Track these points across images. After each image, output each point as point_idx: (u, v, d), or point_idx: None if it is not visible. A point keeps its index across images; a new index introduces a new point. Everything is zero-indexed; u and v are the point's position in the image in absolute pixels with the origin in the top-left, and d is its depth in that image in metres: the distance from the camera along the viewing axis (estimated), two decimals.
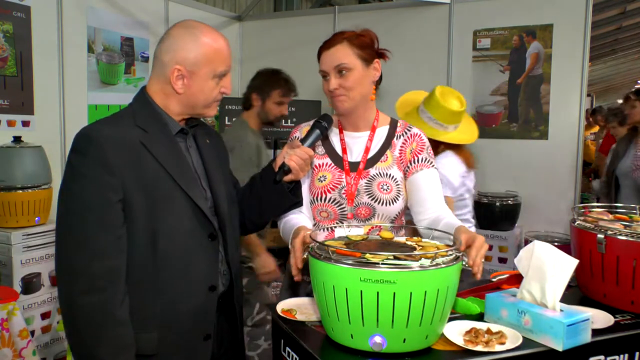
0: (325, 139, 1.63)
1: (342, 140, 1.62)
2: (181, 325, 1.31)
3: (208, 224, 1.35)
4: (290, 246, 1.37)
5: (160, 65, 1.33)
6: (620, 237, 1.35)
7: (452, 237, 1.29)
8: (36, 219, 2.82)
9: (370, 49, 1.54)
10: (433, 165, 1.61)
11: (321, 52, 1.55)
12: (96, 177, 1.21)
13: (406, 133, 1.64)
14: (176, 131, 1.37)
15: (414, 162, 1.60)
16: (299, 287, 1.64)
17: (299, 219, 1.53)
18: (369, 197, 1.54)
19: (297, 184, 1.49)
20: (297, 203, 1.51)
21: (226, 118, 3.82)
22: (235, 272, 1.46)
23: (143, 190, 1.25)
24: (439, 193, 1.59)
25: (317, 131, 1.49)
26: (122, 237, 1.23)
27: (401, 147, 1.61)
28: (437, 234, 1.36)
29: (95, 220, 1.20)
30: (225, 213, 1.41)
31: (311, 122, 1.68)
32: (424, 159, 1.60)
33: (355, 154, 1.60)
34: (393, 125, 1.65)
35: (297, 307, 1.34)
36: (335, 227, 1.56)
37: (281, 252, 2.84)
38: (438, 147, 2.31)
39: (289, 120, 3.91)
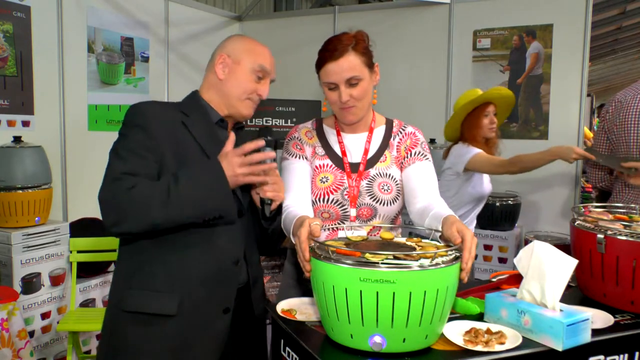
0: (323, 139, 1.63)
1: (340, 142, 1.62)
2: (201, 293, 1.35)
3: (237, 201, 1.40)
4: (292, 238, 1.34)
5: (211, 63, 1.49)
6: (620, 237, 1.35)
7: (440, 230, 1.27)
8: (36, 219, 2.82)
9: (370, 53, 1.53)
10: (427, 159, 1.60)
11: (325, 62, 1.49)
12: (137, 139, 1.32)
13: (402, 132, 1.64)
14: (216, 120, 1.47)
15: (408, 157, 1.60)
16: (298, 286, 1.65)
17: (301, 210, 1.48)
18: (371, 198, 1.54)
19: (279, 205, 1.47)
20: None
21: None
22: (253, 263, 1.50)
23: (178, 164, 1.33)
24: (431, 184, 1.56)
25: (268, 149, 1.41)
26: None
27: (397, 145, 1.62)
28: (437, 227, 1.33)
29: (127, 170, 1.28)
30: (243, 201, 1.47)
31: (308, 124, 1.68)
32: (417, 153, 1.60)
33: (354, 155, 1.60)
34: (389, 125, 1.65)
35: (297, 307, 1.34)
36: (337, 227, 1.56)
37: (280, 252, 2.84)
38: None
39: (289, 120, 3.91)
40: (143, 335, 1.32)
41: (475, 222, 2.67)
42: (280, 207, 1.44)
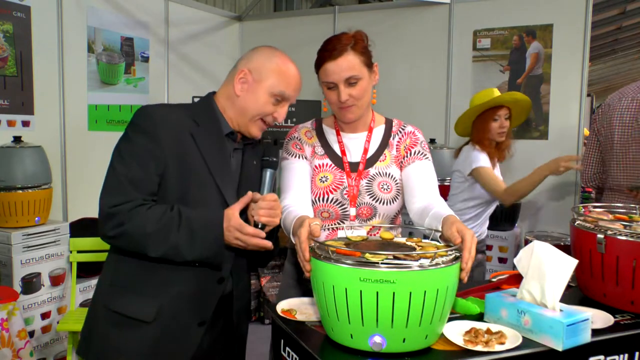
0: (322, 139, 1.63)
1: (340, 142, 1.62)
2: (180, 304, 1.35)
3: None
4: (293, 237, 1.34)
5: (233, 71, 1.43)
6: (620, 237, 1.35)
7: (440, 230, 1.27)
8: (36, 219, 2.82)
9: (368, 52, 1.53)
10: (427, 158, 1.60)
11: (324, 62, 1.49)
12: (142, 144, 1.30)
13: (401, 131, 1.64)
14: (227, 132, 1.42)
15: (407, 156, 1.60)
16: (298, 286, 1.65)
17: (301, 210, 1.48)
18: (370, 197, 1.54)
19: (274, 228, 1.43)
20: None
21: None
22: (239, 276, 1.49)
23: (180, 174, 1.32)
24: (431, 183, 1.56)
25: (269, 171, 1.41)
26: (149, 202, 1.30)
27: (397, 145, 1.62)
28: (437, 226, 1.33)
29: (128, 178, 1.28)
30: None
31: (308, 124, 1.68)
32: (416, 152, 1.60)
33: (354, 155, 1.60)
34: (389, 124, 1.66)
35: (297, 307, 1.34)
36: (336, 226, 1.56)
37: (280, 252, 2.84)
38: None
39: (289, 120, 3.92)
40: (120, 337, 1.33)
41: (487, 222, 2.65)
42: (273, 230, 1.39)
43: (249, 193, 1.33)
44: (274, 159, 1.42)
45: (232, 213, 1.28)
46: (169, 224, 1.26)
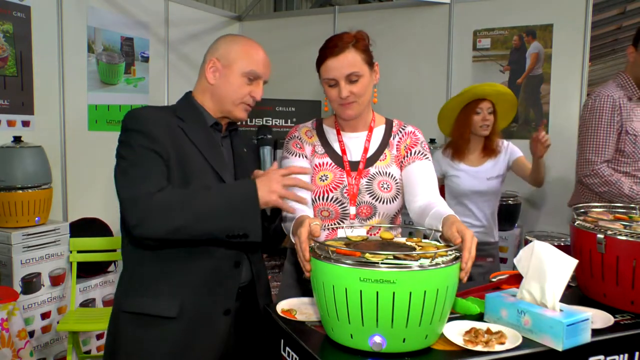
0: (323, 138, 1.63)
1: (340, 141, 1.62)
2: (201, 296, 1.36)
3: None
4: (292, 237, 1.34)
5: (203, 64, 1.47)
6: (620, 237, 1.34)
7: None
8: (36, 219, 2.82)
9: (370, 51, 1.54)
10: (427, 158, 1.61)
11: (325, 59, 1.50)
12: (142, 144, 1.31)
13: (401, 131, 1.64)
14: (211, 123, 1.46)
15: (408, 156, 1.60)
16: (298, 286, 1.65)
17: (301, 209, 1.47)
18: (370, 196, 1.55)
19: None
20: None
21: None
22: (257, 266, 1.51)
23: (178, 165, 1.34)
24: (431, 183, 1.57)
25: (267, 148, 1.45)
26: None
27: (397, 144, 1.62)
28: (437, 226, 1.33)
29: (145, 171, 1.28)
30: None
31: (308, 124, 1.68)
32: (416, 152, 1.60)
33: (354, 154, 1.61)
34: (389, 125, 1.66)
35: (297, 307, 1.34)
36: (336, 226, 1.56)
37: (280, 252, 2.85)
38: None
39: (289, 121, 3.91)
40: (143, 337, 1.33)
41: (493, 221, 2.62)
42: (276, 211, 1.43)
43: (275, 164, 1.36)
44: (269, 136, 1.47)
45: (273, 168, 1.33)
46: (198, 192, 1.27)
